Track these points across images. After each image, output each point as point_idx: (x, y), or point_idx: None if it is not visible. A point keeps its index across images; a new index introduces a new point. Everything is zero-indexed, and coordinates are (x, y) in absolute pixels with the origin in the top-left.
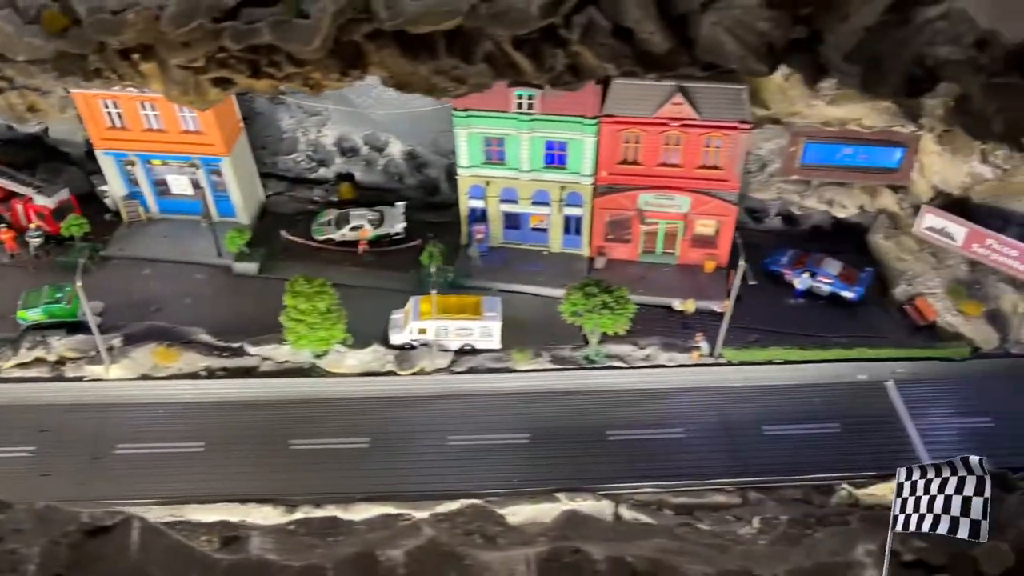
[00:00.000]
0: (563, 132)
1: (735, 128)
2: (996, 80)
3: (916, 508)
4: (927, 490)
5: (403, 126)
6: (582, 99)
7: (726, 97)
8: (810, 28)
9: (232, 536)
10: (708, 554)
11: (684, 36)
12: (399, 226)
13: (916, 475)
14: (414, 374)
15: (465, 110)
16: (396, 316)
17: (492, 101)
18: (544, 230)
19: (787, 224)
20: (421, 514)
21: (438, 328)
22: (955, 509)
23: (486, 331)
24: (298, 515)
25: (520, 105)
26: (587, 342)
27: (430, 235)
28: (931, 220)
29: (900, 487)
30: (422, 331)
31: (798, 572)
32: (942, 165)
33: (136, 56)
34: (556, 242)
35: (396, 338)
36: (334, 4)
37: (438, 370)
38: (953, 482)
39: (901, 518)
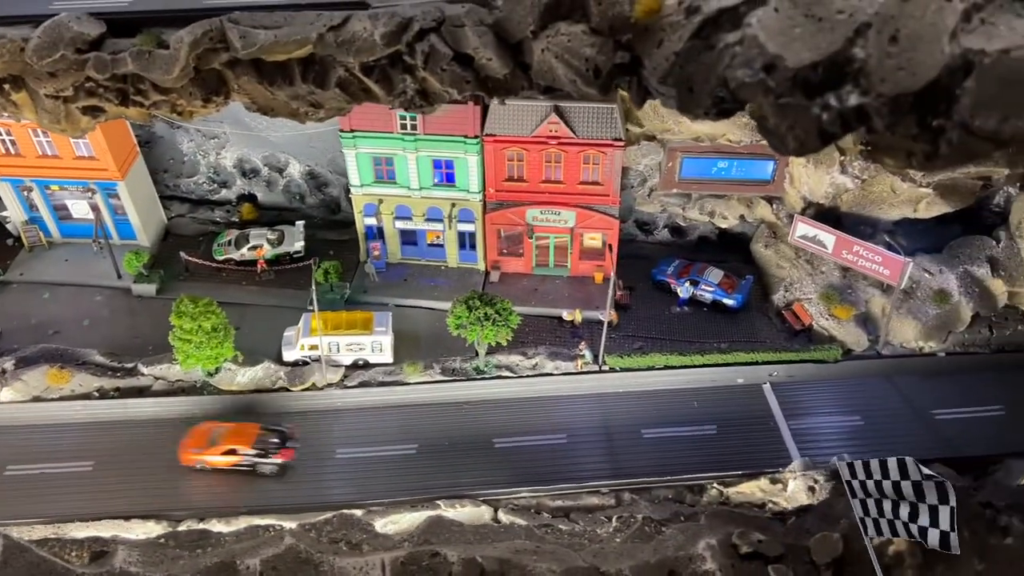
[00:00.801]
0: (448, 151)
1: (610, 145)
2: (783, 100)
3: (880, 512)
4: (881, 492)
5: (300, 147)
6: (462, 119)
7: (599, 116)
8: (631, 53)
9: (101, 551)
10: (561, 553)
11: (521, 61)
12: (298, 244)
13: (861, 474)
14: (305, 389)
15: (351, 131)
16: (289, 333)
17: (376, 122)
18: (441, 246)
19: (676, 236)
20: (290, 524)
21: (328, 344)
22: (923, 518)
23: (377, 345)
24: (170, 529)
25: (404, 126)
26: (478, 354)
27: (331, 253)
28: (803, 229)
29: (851, 486)
30: (312, 347)
31: (642, 567)
32: (808, 177)
33: (7, 86)
34: (453, 257)
35: (288, 355)
36: (190, 35)
37: (329, 385)
38: (909, 488)
39: (870, 524)
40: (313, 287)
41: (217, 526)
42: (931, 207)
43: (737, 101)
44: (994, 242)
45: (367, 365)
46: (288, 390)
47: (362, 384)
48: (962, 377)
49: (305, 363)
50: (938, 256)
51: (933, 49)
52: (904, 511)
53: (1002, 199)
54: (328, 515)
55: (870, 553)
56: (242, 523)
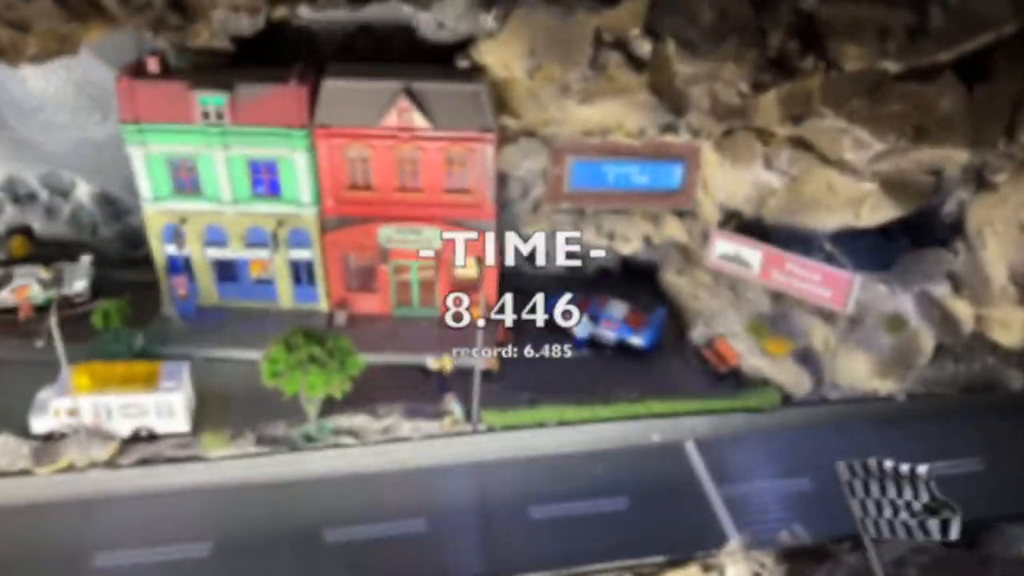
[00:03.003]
0: (267, 148)
1: (478, 139)
2: None
3: (880, 512)
4: (884, 492)
5: (88, 160)
6: (284, 105)
7: (463, 100)
8: None
9: None
10: None
11: None
12: (80, 285)
13: (860, 472)
14: (60, 471)
15: (136, 122)
16: (42, 395)
17: (170, 110)
18: (269, 282)
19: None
20: None
21: (95, 407)
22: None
23: (166, 408)
24: None
25: (206, 114)
26: (309, 415)
27: (127, 296)
28: (723, 247)
29: (851, 486)
30: (71, 412)
31: None
32: (725, 177)
33: None
34: (286, 296)
35: (38, 424)
36: None
37: (95, 464)
38: (909, 492)
39: (870, 525)
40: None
41: None
42: (876, 210)
43: None
44: (952, 255)
45: (152, 436)
46: (32, 473)
47: (143, 462)
48: (928, 424)
49: (63, 435)
50: (888, 274)
51: None
52: (905, 514)
53: (954, 206)
54: None
55: (871, 555)
56: None
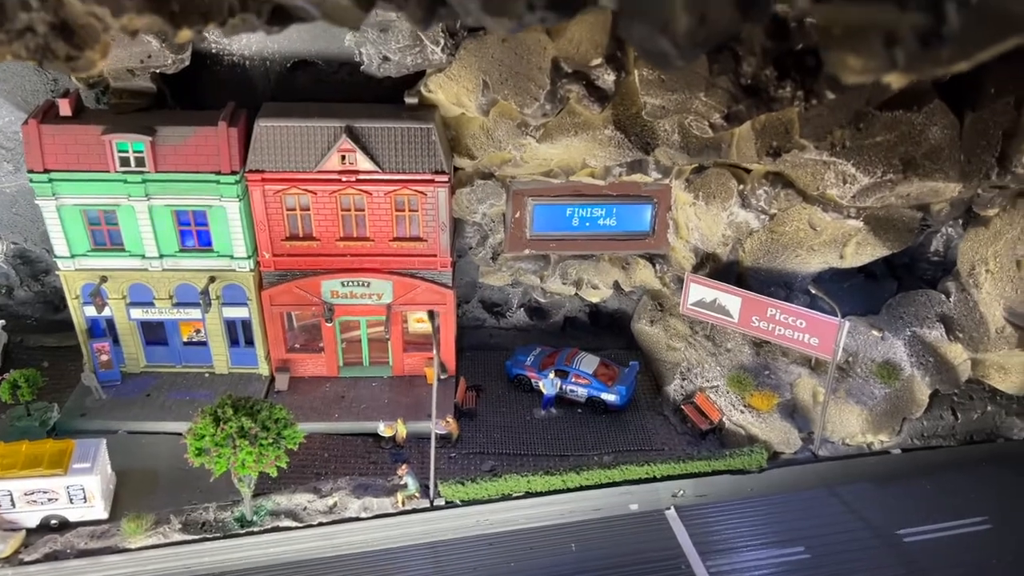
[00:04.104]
0: (194, 197)
1: (430, 182)
2: None
3: None
4: None
5: (0, 215)
6: (212, 149)
7: (412, 140)
8: None
9: None
10: None
11: None
12: None
13: None
14: None
15: (46, 171)
16: None
17: (84, 157)
18: (203, 344)
19: (535, 318)
20: None
21: None
22: None
23: (78, 493)
24: None
25: (125, 161)
26: (243, 496)
27: (45, 365)
28: (699, 293)
29: None
30: None
31: None
32: (698, 218)
33: None
34: (221, 359)
35: None
36: None
37: None
38: None
39: None
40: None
41: None
42: (862, 249)
43: None
44: (943, 296)
45: (64, 525)
46: None
47: (51, 556)
48: (928, 480)
49: None
50: (876, 319)
51: None
52: None
53: (941, 245)
54: None
55: None
56: None
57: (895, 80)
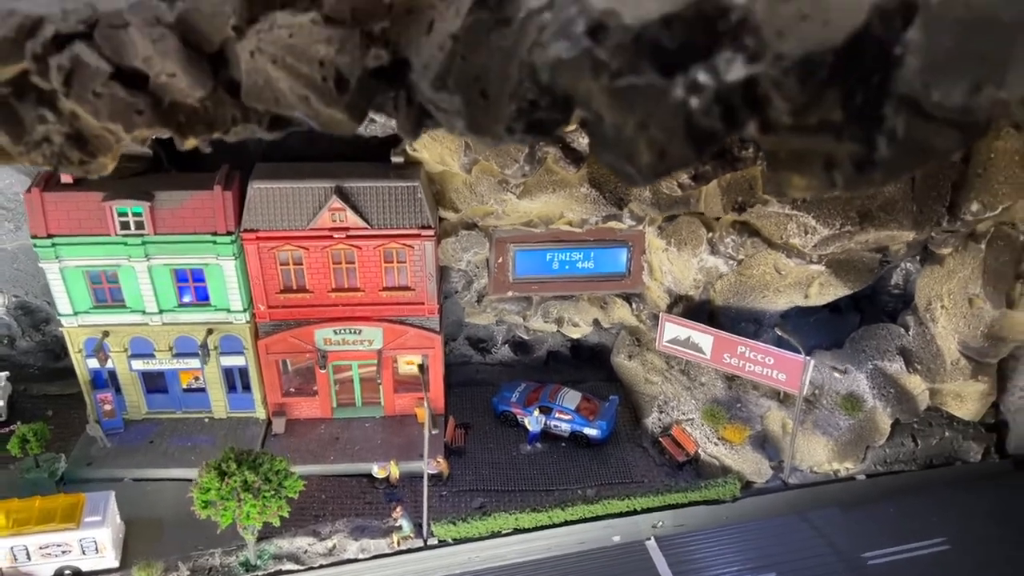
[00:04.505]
0: (192, 257)
1: (416, 236)
2: (624, 82)
3: None
4: None
5: (1, 271)
6: (209, 211)
7: (398, 197)
8: (392, 50)
9: None
10: None
11: (226, 77)
12: None
13: None
14: None
15: (49, 236)
16: None
17: (86, 222)
18: (202, 390)
19: (519, 353)
20: None
21: (12, 550)
22: None
23: (91, 544)
24: None
25: (125, 225)
26: (247, 542)
27: (49, 413)
28: (673, 331)
29: None
30: None
31: None
32: (671, 263)
33: None
34: (220, 405)
35: None
36: None
37: None
38: None
39: None
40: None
41: None
42: (825, 290)
43: (555, 105)
44: (903, 329)
45: (78, 575)
46: None
47: None
48: (890, 504)
49: None
50: (840, 352)
51: None
52: None
53: (901, 278)
54: None
55: None
56: None
57: (837, 194)
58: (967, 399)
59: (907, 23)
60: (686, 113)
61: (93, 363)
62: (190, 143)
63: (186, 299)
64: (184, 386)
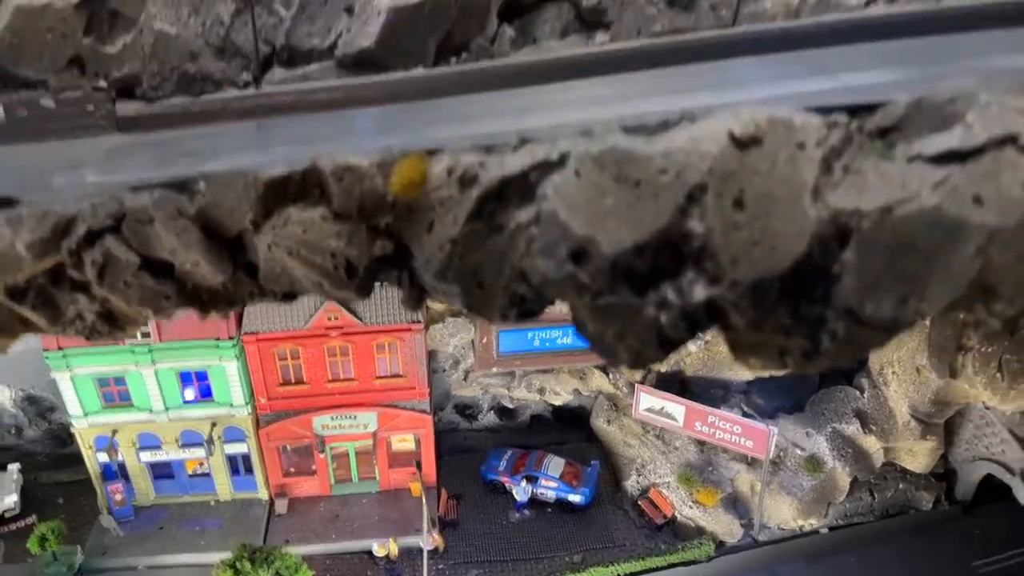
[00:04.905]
0: (196, 360)
1: (407, 329)
2: (604, 301)
3: None
4: None
5: (7, 369)
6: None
7: (389, 295)
8: (395, 241)
9: None
10: None
11: (244, 261)
12: (10, 499)
13: None
14: None
15: (60, 348)
16: None
17: None
18: (207, 475)
19: (504, 418)
20: None
21: None
22: None
23: None
24: None
25: (133, 335)
26: None
27: (60, 501)
28: (648, 401)
29: None
30: None
31: None
32: None
33: None
34: (224, 488)
35: None
36: None
37: None
38: None
39: None
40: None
41: None
42: None
43: (543, 300)
44: (858, 392)
45: None
46: None
47: None
48: (852, 554)
49: None
50: (802, 416)
51: (794, 212)
52: None
53: None
54: None
55: None
56: None
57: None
58: (918, 454)
59: (843, 246)
60: (657, 327)
61: (103, 457)
62: (210, 316)
63: (190, 396)
64: (190, 472)
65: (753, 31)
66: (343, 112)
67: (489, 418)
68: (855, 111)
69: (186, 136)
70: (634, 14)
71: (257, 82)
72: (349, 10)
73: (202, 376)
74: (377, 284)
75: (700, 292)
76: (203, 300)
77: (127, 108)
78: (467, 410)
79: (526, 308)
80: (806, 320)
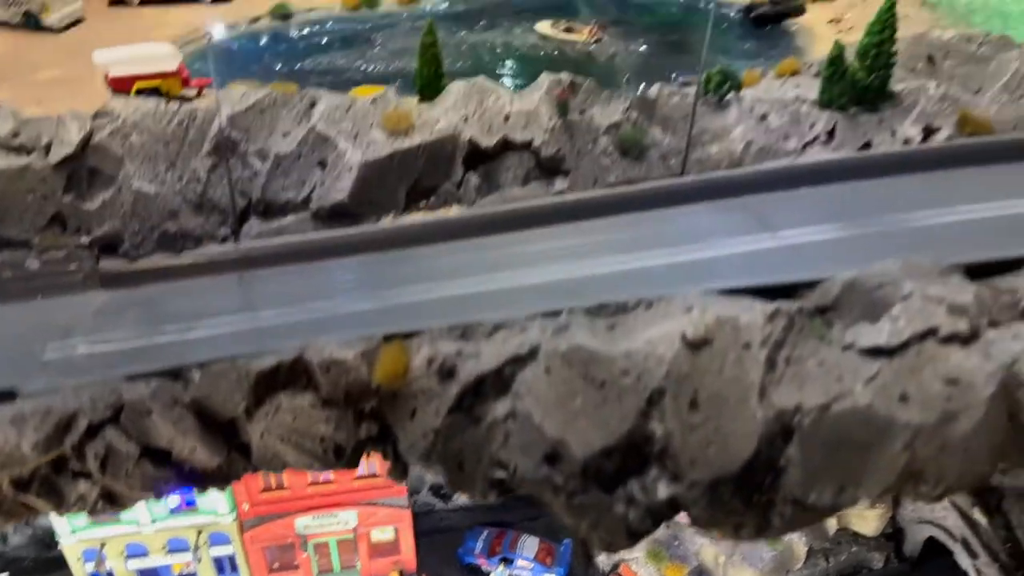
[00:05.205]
0: None
1: None
2: (577, 500)
3: None
4: None
5: None
6: None
7: None
8: (381, 423)
9: None
10: None
11: (237, 442)
12: None
13: None
14: None
15: None
16: None
17: None
18: (193, 575)
19: None
20: None
21: None
22: None
23: None
24: None
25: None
26: None
27: None
28: None
29: None
30: None
31: None
32: None
33: None
34: None
35: None
36: None
37: None
38: None
39: None
40: None
41: None
42: None
43: (520, 487)
44: None
45: None
46: None
47: None
48: None
49: None
50: None
51: (743, 414)
52: None
53: None
54: None
55: None
56: None
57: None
58: (869, 518)
59: (787, 442)
60: (626, 522)
61: (91, 568)
62: (207, 493)
63: (174, 503)
64: (177, 573)
65: (700, 180)
66: (321, 264)
67: (464, 497)
68: (795, 288)
69: (171, 292)
70: (590, 163)
71: (236, 235)
72: (322, 164)
73: (187, 488)
74: None
75: (663, 490)
76: (201, 480)
77: (110, 265)
78: (442, 490)
79: (505, 489)
80: (757, 507)
